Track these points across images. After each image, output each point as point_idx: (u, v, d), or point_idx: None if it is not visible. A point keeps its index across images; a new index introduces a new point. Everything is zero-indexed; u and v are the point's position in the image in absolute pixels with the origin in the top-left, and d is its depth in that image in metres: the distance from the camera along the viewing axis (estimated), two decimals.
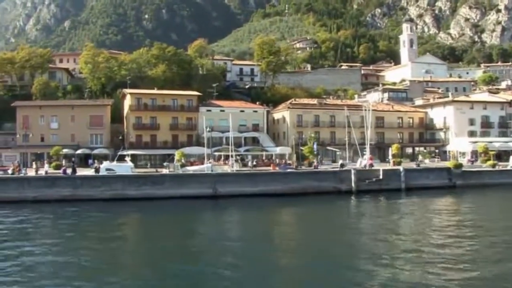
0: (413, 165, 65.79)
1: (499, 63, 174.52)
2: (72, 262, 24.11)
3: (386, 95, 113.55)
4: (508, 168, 65.84)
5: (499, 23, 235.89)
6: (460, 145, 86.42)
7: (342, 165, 60.52)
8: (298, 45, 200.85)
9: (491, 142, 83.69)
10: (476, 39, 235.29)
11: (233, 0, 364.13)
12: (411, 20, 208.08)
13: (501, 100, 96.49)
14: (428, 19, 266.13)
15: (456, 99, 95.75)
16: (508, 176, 61.53)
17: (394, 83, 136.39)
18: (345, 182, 51.73)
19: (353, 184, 51.84)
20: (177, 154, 67.96)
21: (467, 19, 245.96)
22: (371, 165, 60.36)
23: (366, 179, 52.42)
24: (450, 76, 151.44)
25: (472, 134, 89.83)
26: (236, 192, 46.71)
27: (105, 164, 54.44)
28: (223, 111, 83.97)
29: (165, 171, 57.51)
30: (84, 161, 74.81)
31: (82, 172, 51.81)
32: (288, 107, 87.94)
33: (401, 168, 55.66)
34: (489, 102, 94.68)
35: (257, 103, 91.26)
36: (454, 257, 24.35)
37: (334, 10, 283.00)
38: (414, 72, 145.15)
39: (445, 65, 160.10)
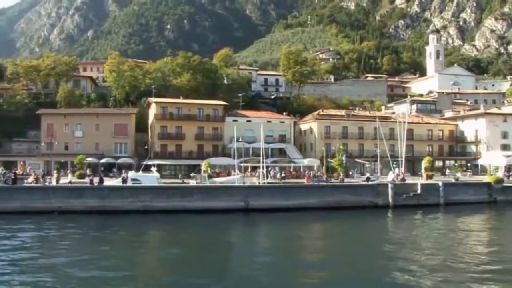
0: (444, 179, 63.34)
1: None
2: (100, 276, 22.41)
3: (414, 107, 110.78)
4: None
5: None
6: (494, 159, 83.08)
7: (368, 179, 58.37)
8: (321, 56, 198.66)
9: None
10: (502, 50, 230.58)
11: (254, 11, 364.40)
12: (437, 31, 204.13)
13: None
14: (452, 30, 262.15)
15: (488, 111, 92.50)
16: None
17: (421, 95, 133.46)
18: (381, 196, 49.27)
19: (390, 199, 49.34)
20: (203, 164, 66.18)
21: (492, 31, 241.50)
22: (403, 179, 57.79)
23: (403, 193, 49.87)
24: (476, 88, 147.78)
25: (505, 147, 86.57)
26: (269, 205, 44.49)
27: (131, 174, 52.77)
28: (249, 121, 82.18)
29: (192, 182, 55.70)
30: (108, 170, 73.58)
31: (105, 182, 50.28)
32: (316, 118, 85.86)
33: (439, 182, 52.95)
34: None
35: (284, 113, 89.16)
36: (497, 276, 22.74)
37: (357, 21, 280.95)
38: (441, 83, 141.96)
39: (473, 77, 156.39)
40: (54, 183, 47.45)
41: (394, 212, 47.91)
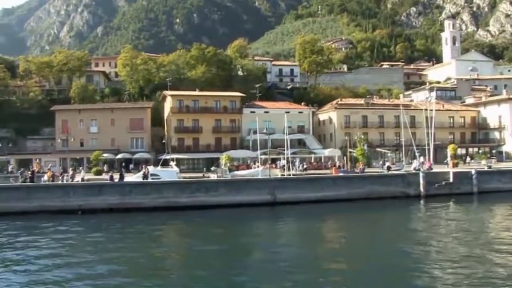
0: (468, 166, 61.05)
1: None
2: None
3: (433, 94, 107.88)
4: None
5: None
6: None
7: (388, 168, 56.27)
8: (333, 46, 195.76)
9: None
10: None
11: (263, 3, 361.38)
12: (453, 16, 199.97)
13: None
14: (465, 16, 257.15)
15: None
16: None
17: (438, 82, 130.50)
18: (413, 186, 47.12)
19: (421, 188, 47.18)
20: (223, 157, 64.33)
21: (507, 15, 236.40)
22: (430, 167, 55.53)
23: (435, 182, 47.66)
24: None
25: None
26: (297, 198, 42.55)
27: (150, 169, 50.94)
28: (267, 112, 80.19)
29: (212, 176, 53.84)
30: (125, 166, 71.96)
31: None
32: (335, 108, 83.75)
33: (472, 170, 50.66)
34: None
35: (302, 103, 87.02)
36: None
37: (368, 10, 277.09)
38: (459, 70, 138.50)
39: (491, 62, 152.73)
40: (70, 180, 45.82)
41: (426, 202, 45.79)
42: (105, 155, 71.48)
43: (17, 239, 30.89)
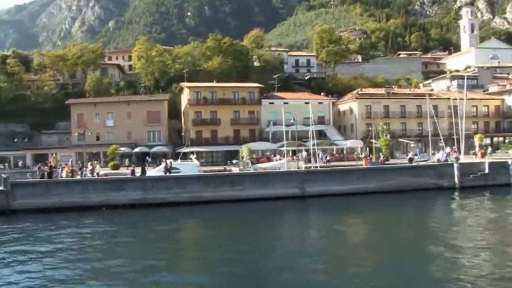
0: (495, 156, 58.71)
1: None
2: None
3: (454, 82, 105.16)
4: None
5: None
6: None
7: (411, 160, 54.10)
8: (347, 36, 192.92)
9: None
10: None
11: None
12: (471, 3, 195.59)
13: None
14: (481, 4, 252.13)
15: None
16: None
17: (457, 71, 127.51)
18: (446, 177, 44.89)
19: (456, 180, 44.93)
20: (243, 150, 62.52)
21: None
22: (457, 158, 53.20)
23: (469, 173, 45.36)
24: None
25: None
26: (326, 191, 40.60)
27: (167, 163, 49.10)
28: (286, 103, 78.02)
29: (234, 169, 52.01)
30: (142, 159, 70.41)
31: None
32: (356, 98, 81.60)
33: (509, 160, 48.27)
34: None
35: (322, 94, 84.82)
36: None
37: None
38: (479, 58, 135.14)
39: None
40: (89, 175, 44.14)
41: (461, 194, 43.51)
42: (122, 149, 69.99)
43: (37, 236, 29.59)
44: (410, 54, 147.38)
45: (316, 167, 47.44)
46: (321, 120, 80.00)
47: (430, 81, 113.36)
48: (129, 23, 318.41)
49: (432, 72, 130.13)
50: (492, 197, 42.30)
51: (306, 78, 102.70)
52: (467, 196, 42.20)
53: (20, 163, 72.42)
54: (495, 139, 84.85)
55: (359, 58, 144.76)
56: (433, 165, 46.64)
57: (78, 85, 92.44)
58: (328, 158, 63.82)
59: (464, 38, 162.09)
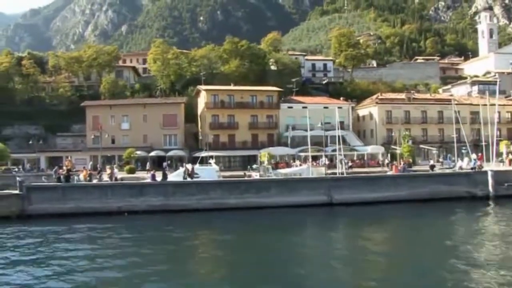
0: None
1: None
2: None
3: (475, 88, 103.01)
4: None
5: None
6: None
7: (432, 167, 51.94)
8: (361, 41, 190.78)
9: None
10: None
11: (287, 0, 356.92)
12: (490, 8, 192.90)
13: None
14: (497, 9, 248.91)
15: None
16: None
17: (476, 76, 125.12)
18: (479, 186, 42.66)
19: (490, 188, 42.71)
20: (263, 155, 60.68)
21: None
22: (480, 166, 50.96)
23: (504, 182, 43.12)
24: None
25: None
26: (354, 199, 38.61)
27: (190, 167, 47.27)
28: (305, 107, 76.20)
29: (254, 174, 50.15)
30: (158, 164, 68.85)
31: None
32: (376, 102, 79.72)
33: None
34: None
35: (341, 98, 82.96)
36: None
37: (395, 5, 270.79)
38: (498, 63, 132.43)
39: None
40: (106, 179, 42.41)
41: (496, 203, 41.22)
42: (138, 152, 68.55)
43: (52, 241, 28.26)
44: (427, 59, 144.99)
45: (342, 173, 45.52)
46: (340, 125, 77.86)
47: (449, 86, 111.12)
48: (142, 27, 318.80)
49: (450, 77, 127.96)
50: None
51: (324, 82, 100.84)
52: (503, 205, 40.03)
53: (28, 166, 71.06)
54: None
55: (374, 63, 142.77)
56: (467, 173, 44.45)
57: (93, 87, 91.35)
58: (350, 164, 61.74)
59: (483, 43, 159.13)
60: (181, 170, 46.64)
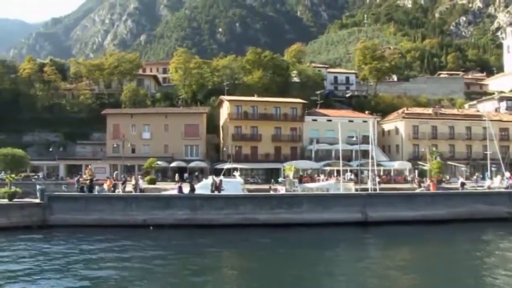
0: None
1: None
2: None
3: (503, 104, 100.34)
4: None
5: None
6: None
7: (463, 184, 49.61)
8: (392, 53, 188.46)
9: None
10: None
11: (305, 13, 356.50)
12: None
13: None
14: None
15: None
16: None
17: (502, 92, 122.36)
18: None
19: None
20: (288, 168, 58.70)
21: None
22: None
23: None
24: None
25: None
26: (390, 217, 36.43)
27: (210, 180, 45.45)
28: (330, 120, 74.46)
29: (280, 188, 48.30)
30: (179, 175, 67.28)
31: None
32: (403, 117, 77.58)
33: None
34: None
35: (366, 112, 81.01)
36: None
37: (415, 19, 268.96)
38: None
39: None
40: (130, 190, 40.81)
41: None
42: (159, 162, 67.10)
43: (74, 254, 26.85)
44: (451, 74, 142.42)
45: (375, 189, 43.46)
46: (365, 140, 76.02)
47: (474, 102, 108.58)
48: (161, 37, 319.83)
49: (475, 93, 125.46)
50: None
51: (347, 95, 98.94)
52: None
53: (41, 174, 70.00)
54: None
55: (394, 77, 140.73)
56: (508, 192, 42.09)
57: (113, 95, 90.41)
58: (378, 180, 59.56)
59: (508, 59, 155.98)
60: (205, 182, 45.02)
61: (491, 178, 56.26)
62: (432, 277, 23.29)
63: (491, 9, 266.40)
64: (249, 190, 45.63)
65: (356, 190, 47.01)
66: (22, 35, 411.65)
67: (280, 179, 56.44)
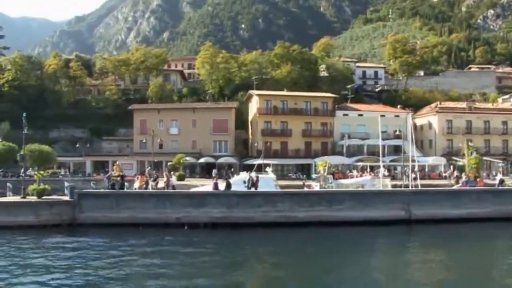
0: None
1: None
2: None
3: None
4: None
5: None
6: None
7: (501, 181, 47.06)
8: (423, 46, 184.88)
9: None
10: None
11: (328, 8, 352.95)
12: None
13: None
14: None
15: None
16: None
17: None
18: None
19: None
20: (320, 164, 56.89)
21: None
22: None
23: None
24: None
25: None
26: (435, 215, 34.51)
27: (242, 176, 43.84)
28: (361, 115, 72.42)
29: (314, 184, 46.53)
30: (207, 171, 65.99)
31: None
32: (437, 111, 75.16)
33: None
34: None
35: (398, 107, 78.72)
36: None
37: (441, 13, 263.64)
38: None
39: None
40: (162, 186, 39.29)
41: None
42: (187, 158, 65.82)
43: (104, 253, 25.71)
44: (481, 68, 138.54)
45: (417, 185, 41.34)
46: (397, 135, 73.83)
47: (507, 96, 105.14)
48: (183, 34, 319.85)
49: (507, 87, 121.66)
50: None
51: (377, 90, 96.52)
52: None
53: (63, 171, 69.37)
54: None
55: (421, 72, 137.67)
56: None
57: (139, 91, 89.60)
58: (414, 175, 57.33)
59: None
60: (236, 177, 43.44)
61: None
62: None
63: None
64: (281, 186, 43.98)
65: (393, 186, 45.21)
66: (46, 33, 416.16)
67: (313, 175, 54.63)
